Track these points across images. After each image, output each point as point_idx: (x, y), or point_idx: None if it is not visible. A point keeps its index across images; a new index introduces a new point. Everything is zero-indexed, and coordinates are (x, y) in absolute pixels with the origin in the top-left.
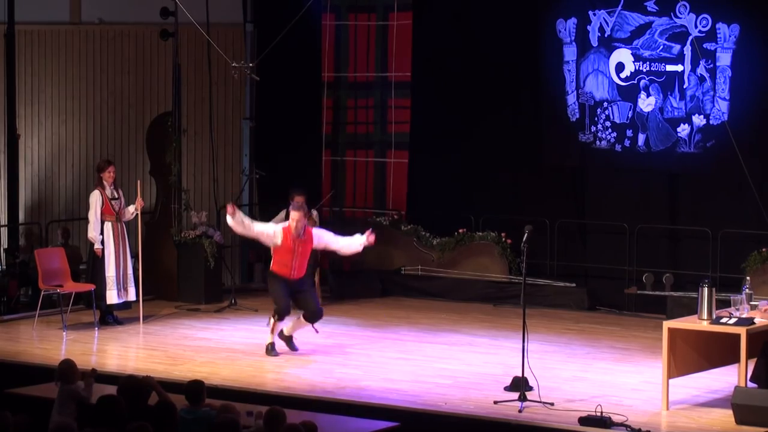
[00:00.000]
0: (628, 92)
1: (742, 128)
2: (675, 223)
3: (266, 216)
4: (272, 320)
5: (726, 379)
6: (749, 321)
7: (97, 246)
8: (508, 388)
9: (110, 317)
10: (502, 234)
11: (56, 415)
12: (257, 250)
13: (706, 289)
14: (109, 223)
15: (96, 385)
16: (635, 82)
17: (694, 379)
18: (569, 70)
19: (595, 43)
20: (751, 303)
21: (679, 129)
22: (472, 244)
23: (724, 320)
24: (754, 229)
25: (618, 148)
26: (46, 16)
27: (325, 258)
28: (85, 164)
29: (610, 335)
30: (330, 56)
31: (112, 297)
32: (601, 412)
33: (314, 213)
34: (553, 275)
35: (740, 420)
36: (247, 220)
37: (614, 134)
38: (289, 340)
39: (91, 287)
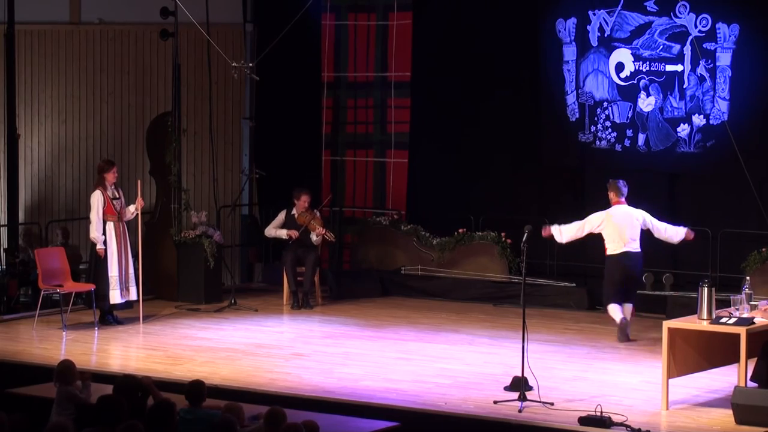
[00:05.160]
0: (628, 92)
1: (742, 128)
2: (675, 222)
3: (266, 216)
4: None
5: (726, 379)
6: (749, 321)
7: (100, 246)
8: (508, 388)
9: (110, 317)
10: (502, 234)
11: (55, 416)
12: (257, 249)
13: (706, 288)
14: (111, 223)
15: (95, 384)
16: (635, 81)
17: (694, 379)
18: (569, 70)
19: (594, 42)
20: (751, 303)
21: (679, 129)
22: (472, 244)
23: (723, 320)
24: (754, 229)
25: (618, 147)
26: (46, 16)
27: (325, 258)
28: (85, 164)
29: (610, 335)
30: (330, 56)
31: (115, 297)
32: (601, 412)
33: (317, 213)
34: (553, 275)
35: (740, 420)
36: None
37: (614, 134)
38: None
39: (91, 287)
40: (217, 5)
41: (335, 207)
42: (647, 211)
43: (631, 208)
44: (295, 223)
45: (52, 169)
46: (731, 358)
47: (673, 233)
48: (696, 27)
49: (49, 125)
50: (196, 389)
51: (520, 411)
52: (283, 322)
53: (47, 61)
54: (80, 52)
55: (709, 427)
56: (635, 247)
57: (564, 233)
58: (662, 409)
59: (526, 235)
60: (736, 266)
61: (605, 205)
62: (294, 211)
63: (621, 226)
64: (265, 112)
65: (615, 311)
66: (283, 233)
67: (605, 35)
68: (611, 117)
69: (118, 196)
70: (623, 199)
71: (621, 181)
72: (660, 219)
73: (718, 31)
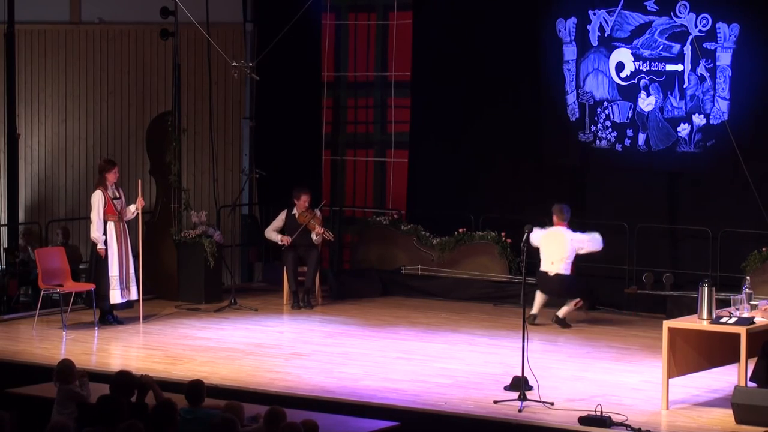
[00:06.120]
0: (628, 92)
1: (742, 128)
2: (675, 222)
3: (266, 216)
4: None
5: (726, 378)
6: (749, 321)
7: (101, 246)
8: (508, 388)
9: (110, 317)
10: (502, 233)
11: (56, 416)
12: (257, 249)
13: (706, 288)
14: (112, 223)
15: (95, 384)
16: (635, 81)
17: (694, 379)
18: (569, 70)
19: (595, 42)
20: (751, 303)
21: (679, 128)
22: (472, 244)
23: (724, 320)
24: (754, 229)
25: (618, 147)
26: (46, 16)
27: (326, 257)
28: (85, 164)
29: (610, 335)
30: (330, 56)
31: (115, 297)
32: (601, 412)
33: (317, 212)
34: None
35: (740, 419)
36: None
37: (614, 134)
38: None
39: (91, 287)
40: (217, 5)
41: (335, 207)
42: (649, 211)
43: (566, 231)
44: (295, 223)
45: (52, 169)
46: (731, 358)
47: (594, 242)
48: (696, 27)
49: (49, 125)
50: (195, 389)
51: (520, 411)
52: (283, 322)
53: (47, 61)
54: (80, 52)
55: (709, 427)
56: (555, 269)
57: (533, 237)
58: (662, 409)
59: (526, 235)
60: (736, 266)
61: (605, 205)
62: (295, 211)
63: (544, 246)
64: (265, 112)
65: (536, 299)
66: (277, 238)
67: (605, 35)
68: (611, 117)
69: (118, 195)
70: (564, 223)
71: (565, 206)
72: (660, 218)
73: (718, 31)
